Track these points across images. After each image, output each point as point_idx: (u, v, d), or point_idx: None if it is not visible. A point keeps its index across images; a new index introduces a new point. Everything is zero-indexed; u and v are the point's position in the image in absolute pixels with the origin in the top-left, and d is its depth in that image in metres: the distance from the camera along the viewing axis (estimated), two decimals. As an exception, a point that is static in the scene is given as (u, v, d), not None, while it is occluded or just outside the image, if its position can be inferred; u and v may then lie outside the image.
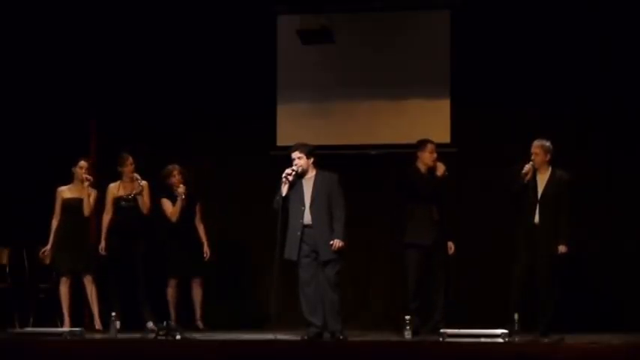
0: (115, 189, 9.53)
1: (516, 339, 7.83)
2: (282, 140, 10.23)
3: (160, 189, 9.56)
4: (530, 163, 8.52)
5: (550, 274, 8.44)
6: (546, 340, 7.91)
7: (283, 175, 8.17)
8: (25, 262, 10.01)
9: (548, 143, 8.59)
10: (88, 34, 10.40)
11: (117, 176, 9.55)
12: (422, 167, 8.91)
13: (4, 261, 10.01)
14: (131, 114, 10.47)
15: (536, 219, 8.50)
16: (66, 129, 10.32)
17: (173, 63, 10.48)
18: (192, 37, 10.45)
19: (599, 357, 7.18)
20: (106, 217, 9.52)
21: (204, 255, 9.54)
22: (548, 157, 8.57)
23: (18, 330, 8.86)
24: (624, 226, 9.67)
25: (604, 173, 9.79)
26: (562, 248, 8.42)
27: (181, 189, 9.42)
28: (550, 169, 8.60)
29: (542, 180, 8.57)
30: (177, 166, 9.53)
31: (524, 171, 8.49)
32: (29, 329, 8.94)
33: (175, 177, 9.49)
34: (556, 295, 8.47)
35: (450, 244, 8.96)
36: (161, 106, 10.46)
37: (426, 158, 8.89)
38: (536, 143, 8.58)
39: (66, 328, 8.77)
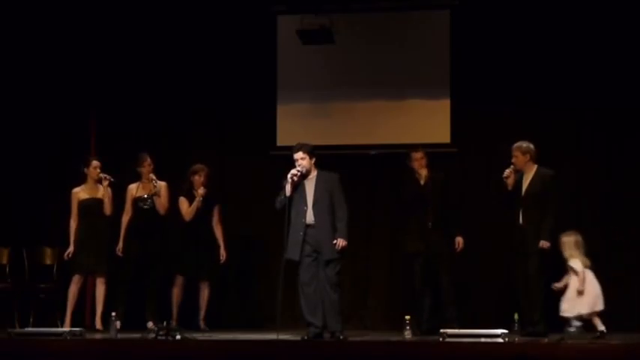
0: (133, 189, 9.53)
1: (516, 339, 7.83)
2: (282, 140, 10.23)
3: (179, 188, 9.56)
4: (511, 167, 8.59)
5: (536, 272, 8.45)
6: (546, 340, 7.92)
7: (289, 175, 8.14)
8: (25, 262, 10.01)
9: (525, 144, 8.64)
10: (89, 34, 10.40)
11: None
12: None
13: (4, 261, 10.01)
14: (131, 114, 10.48)
15: (520, 219, 8.56)
16: (66, 129, 10.32)
17: (173, 63, 10.49)
18: (193, 37, 10.45)
19: (599, 357, 7.18)
20: (125, 218, 9.52)
21: (221, 257, 9.53)
22: (528, 157, 8.62)
23: (18, 330, 8.85)
24: (624, 226, 9.66)
25: (604, 173, 9.79)
26: (543, 243, 8.43)
27: (201, 190, 9.42)
28: (535, 168, 8.64)
29: (526, 180, 8.65)
30: (205, 167, 9.54)
31: (504, 175, 8.59)
32: (29, 329, 8.93)
33: (201, 177, 9.50)
34: (544, 292, 8.46)
35: (459, 240, 8.99)
36: (161, 106, 10.46)
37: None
38: (514, 146, 8.68)
39: (66, 328, 8.76)
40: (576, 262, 8.25)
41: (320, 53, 10.09)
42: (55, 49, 10.40)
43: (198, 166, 9.56)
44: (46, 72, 10.38)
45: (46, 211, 9.89)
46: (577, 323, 8.17)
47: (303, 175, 8.23)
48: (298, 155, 8.22)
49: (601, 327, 8.03)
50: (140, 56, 10.51)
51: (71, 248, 9.35)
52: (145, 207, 9.45)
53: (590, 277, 8.24)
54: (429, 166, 9.11)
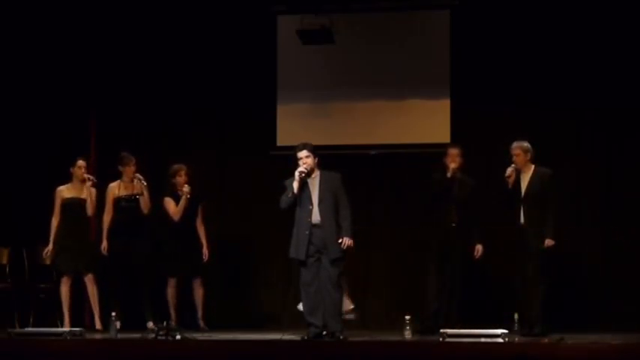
0: (115, 189, 9.50)
1: (516, 339, 7.83)
2: (282, 140, 10.24)
3: (163, 188, 9.56)
4: (512, 165, 8.60)
5: (537, 272, 8.47)
6: (546, 340, 7.92)
7: (297, 172, 8.12)
8: (25, 262, 10.01)
9: (526, 144, 8.67)
10: (89, 34, 10.40)
11: (117, 176, 9.55)
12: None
13: (4, 261, 10.00)
14: (131, 114, 10.48)
15: (522, 219, 8.58)
16: (66, 129, 10.32)
17: (173, 63, 10.49)
18: (193, 37, 10.45)
19: (599, 357, 7.18)
20: (107, 217, 9.49)
21: (204, 257, 9.54)
22: (529, 156, 8.65)
23: (18, 330, 8.85)
24: (624, 226, 9.67)
25: (604, 173, 9.80)
26: (548, 242, 8.46)
27: (186, 188, 9.41)
28: (533, 168, 8.66)
29: (525, 180, 8.65)
30: (184, 166, 9.52)
31: (507, 174, 8.59)
32: (29, 329, 8.93)
33: (182, 176, 9.48)
34: (544, 293, 8.48)
35: (479, 247, 9.01)
36: (161, 106, 10.47)
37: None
38: (515, 145, 8.67)
39: (66, 328, 8.76)
40: None
41: (320, 53, 10.09)
42: (55, 49, 10.39)
43: (177, 166, 9.53)
44: (47, 72, 10.38)
45: (46, 211, 9.87)
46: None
47: (308, 174, 8.24)
48: (303, 154, 8.20)
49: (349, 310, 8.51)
50: (140, 56, 10.51)
51: (50, 246, 9.34)
52: (128, 206, 9.41)
53: None
54: (461, 168, 9.08)
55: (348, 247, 8.10)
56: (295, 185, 8.12)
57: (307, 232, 8.12)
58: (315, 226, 8.15)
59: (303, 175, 8.13)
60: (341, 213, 8.16)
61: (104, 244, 9.43)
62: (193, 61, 10.47)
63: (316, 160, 8.25)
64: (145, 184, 9.37)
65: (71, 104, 10.39)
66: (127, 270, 9.39)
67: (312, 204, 8.17)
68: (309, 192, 8.20)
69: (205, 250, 9.54)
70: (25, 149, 10.35)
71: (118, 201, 9.47)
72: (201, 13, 10.39)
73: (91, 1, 10.30)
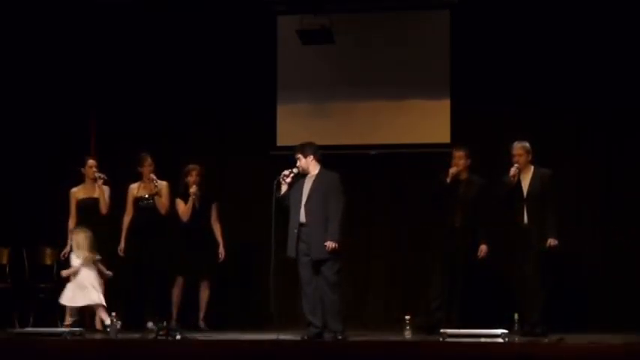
0: (134, 189, 9.53)
1: (516, 339, 7.84)
2: (282, 140, 10.24)
3: (176, 189, 9.56)
4: (516, 165, 8.60)
5: (539, 272, 8.49)
6: (546, 340, 7.92)
7: (280, 176, 8.18)
8: (25, 262, 10.01)
9: (527, 144, 8.69)
10: (89, 34, 10.40)
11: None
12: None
13: (4, 261, 10.01)
14: (131, 114, 10.48)
15: (525, 219, 8.59)
16: (66, 129, 10.32)
17: (173, 63, 10.49)
18: (193, 37, 10.45)
19: (599, 357, 7.18)
20: (127, 218, 9.51)
21: (220, 256, 9.54)
22: (530, 157, 8.69)
23: (18, 330, 8.85)
24: (624, 226, 9.67)
25: (604, 173, 9.80)
26: (552, 242, 8.50)
27: (193, 189, 9.42)
28: (532, 168, 8.69)
29: (525, 180, 8.67)
30: (197, 167, 9.54)
31: (511, 174, 8.61)
32: (29, 329, 8.93)
33: (193, 177, 9.49)
34: (545, 293, 8.48)
35: (483, 247, 8.98)
36: (161, 107, 10.46)
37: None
38: (517, 145, 8.70)
39: (66, 328, 8.76)
40: (78, 257, 8.68)
41: (320, 53, 10.09)
42: (55, 50, 10.40)
43: (190, 167, 9.56)
44: (47, 72, 10.38)
45: (46, 211, 9.88)
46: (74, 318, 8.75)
47: (302, 175, 8.25)
48: (296, 156, 8.29)
49: (107, 320, 8.50)
50: (140, 56, 10.51)
51: (67, 248, 9.33)
52: (146, 206, 9.44)
53: (90, 273, 8.74)
54: (468, 168, 9.03)
55: (332, 249, 8.07)
56: (282, 188, 8.20)
57: (295, 231, 8.16)
58: (302, 225, 8.17)
59: (287, 178, 8.19)
60: (330, 214, 8.14)
61: (121, 245, 9.44)
62: (193, 61, 10.47)
63: (310, 159, 8.26)
64: (157, 184, 9.36)
65: (71, 104, 10.39)
66: (137, 270, 9.39)
67: (300, 203, 8.19)
68: (302, 191, 8.24)
69: (222, 250, 9.55)
70: (25, 149, 10.35)
71: (136, 201, 9.48)
72: (201, 13, 10.38)
73: (91, 1, 10.29)
